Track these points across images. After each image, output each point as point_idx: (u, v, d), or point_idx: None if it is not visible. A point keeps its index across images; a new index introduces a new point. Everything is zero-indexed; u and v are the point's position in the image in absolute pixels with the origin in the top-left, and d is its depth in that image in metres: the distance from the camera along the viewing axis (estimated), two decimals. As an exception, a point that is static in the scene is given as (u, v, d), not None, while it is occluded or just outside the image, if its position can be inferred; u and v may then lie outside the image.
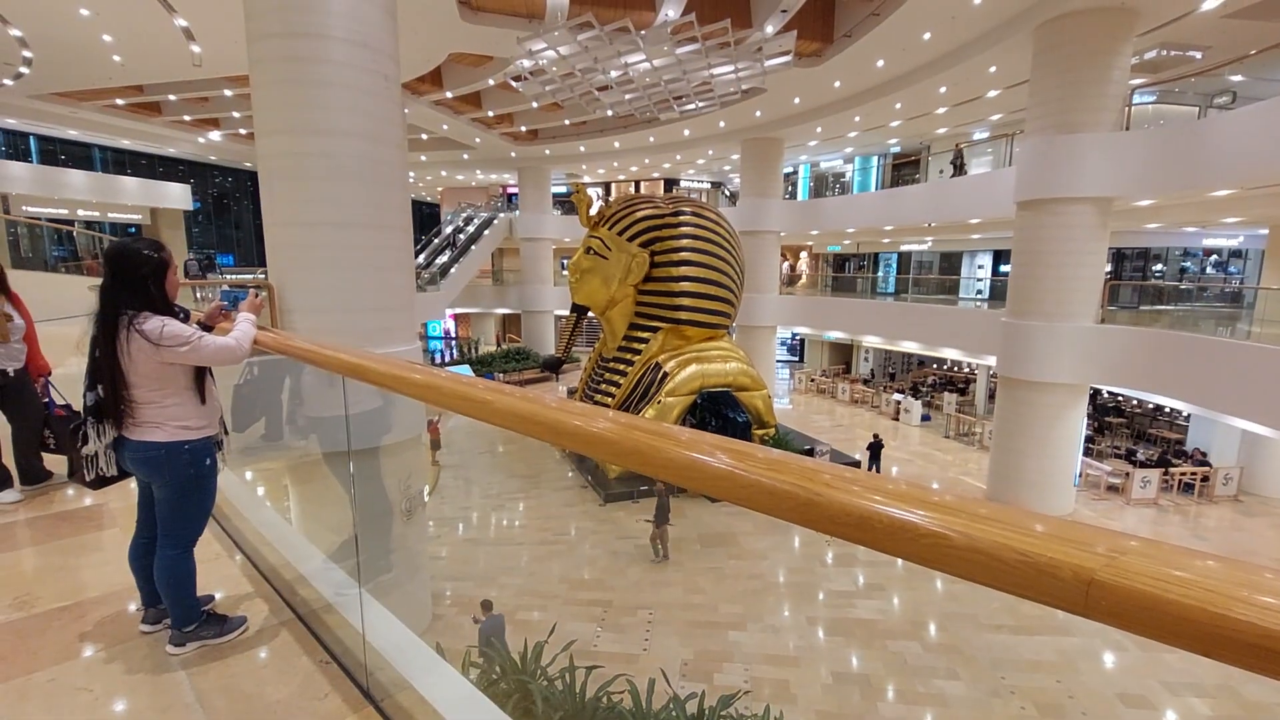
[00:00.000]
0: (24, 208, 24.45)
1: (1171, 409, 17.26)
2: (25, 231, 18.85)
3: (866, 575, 10.83)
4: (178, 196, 30.46)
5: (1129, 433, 19.12)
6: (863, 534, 0.62)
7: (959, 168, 19.45)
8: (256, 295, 2.89)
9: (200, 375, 2.46)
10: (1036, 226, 13.11)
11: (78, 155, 29.34)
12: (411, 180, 34.87)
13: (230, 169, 36.53)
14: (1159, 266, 22.30)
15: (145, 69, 17.30)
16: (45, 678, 2.19)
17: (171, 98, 20.91)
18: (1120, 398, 19.98)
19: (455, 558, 12.23)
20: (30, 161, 27.36)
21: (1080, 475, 14.12)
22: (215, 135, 25.54)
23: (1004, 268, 15.60)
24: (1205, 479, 14.63)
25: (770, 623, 9.31)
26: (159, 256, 2.40)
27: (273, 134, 7.32)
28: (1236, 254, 23.17)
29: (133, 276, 2.34)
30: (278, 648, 2.45)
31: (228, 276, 24.70)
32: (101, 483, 2.43)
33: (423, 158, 29.26)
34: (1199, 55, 14.06)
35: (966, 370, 25.27)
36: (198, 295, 11.87)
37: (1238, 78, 14.76)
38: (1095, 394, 19.50)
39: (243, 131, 25.00)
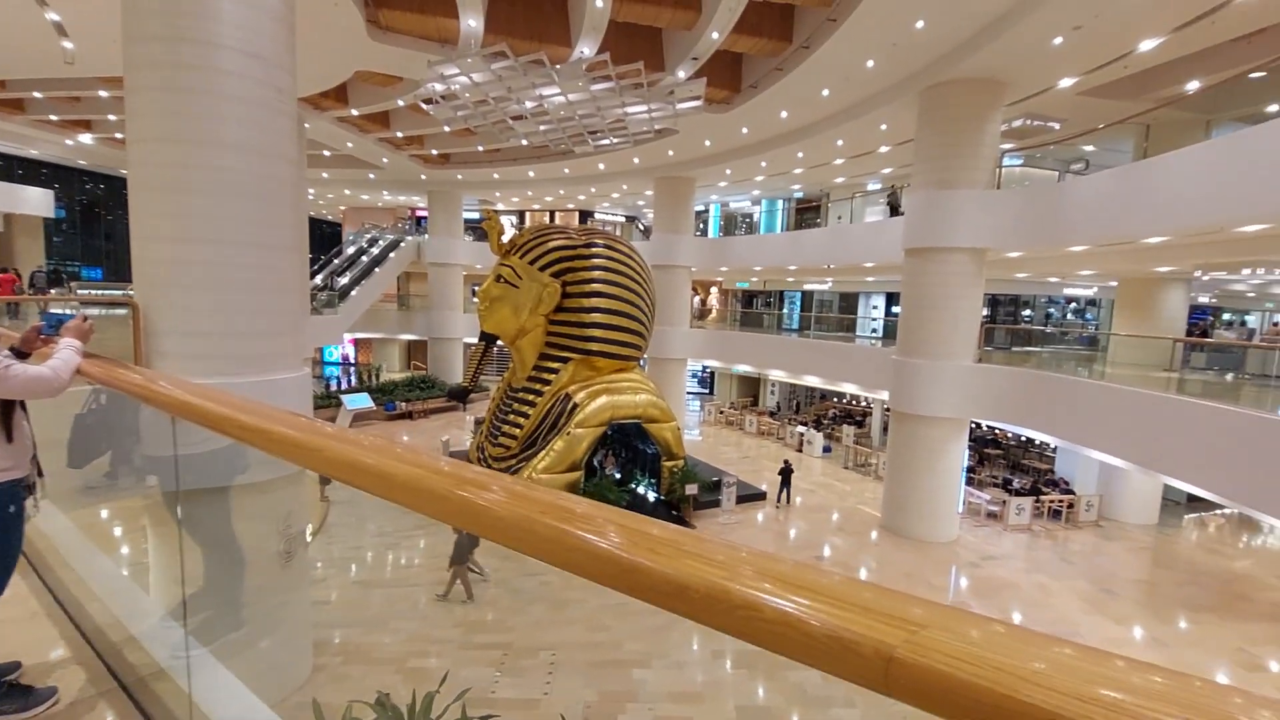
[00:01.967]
0: None
1: (1041, 441, 18.90)
2: None
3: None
4: (37, 202, 27.36)
5: (1005, 463, 20.76)
6: (681, 603, 0.57)
7: (895, 209, 19.93)
8: (85, 319, 2.57)
9: (7, 409, 2.14)
10: (922, 272, 14.16)
11: (-87, 151, 25.94)
12: (311, 197, 33.21)
13: (103, 175, 33.40)
14: (1028, 312, 24.68)
15: (7, 63, 15.62)
16: None
17: (37, 95, 18.97)
18: (996, 431, 21.71)
19: (345, 602, 11.37)
20: None
21: (963, 503, 15.11)
22: (86, 138, 23.36)
23: (896, 309, 16.74)
24: (1070, 506, 16.05)
25: (676, 658, 9.22)
26: None
27: (148, 142, 6.74)
28: (1092, 302, 26.06)
29: None
30: None
31: (79, 291, 22.30)
32: None
33: (325, 175, 27.99)
34: (1057, 126, 15.88)
35: (864, 404, 26.68)
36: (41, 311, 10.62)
37: (1090, 147, 16.81)
38: (975, 427, 21.07)
39: (119, 136, 22.98)
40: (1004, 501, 15.63)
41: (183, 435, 2.15)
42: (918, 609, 0.48)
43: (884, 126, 16.66)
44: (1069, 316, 26.11)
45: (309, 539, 10.24)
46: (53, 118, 20.97)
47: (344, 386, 28.51)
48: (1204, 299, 23.41)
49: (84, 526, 3.13)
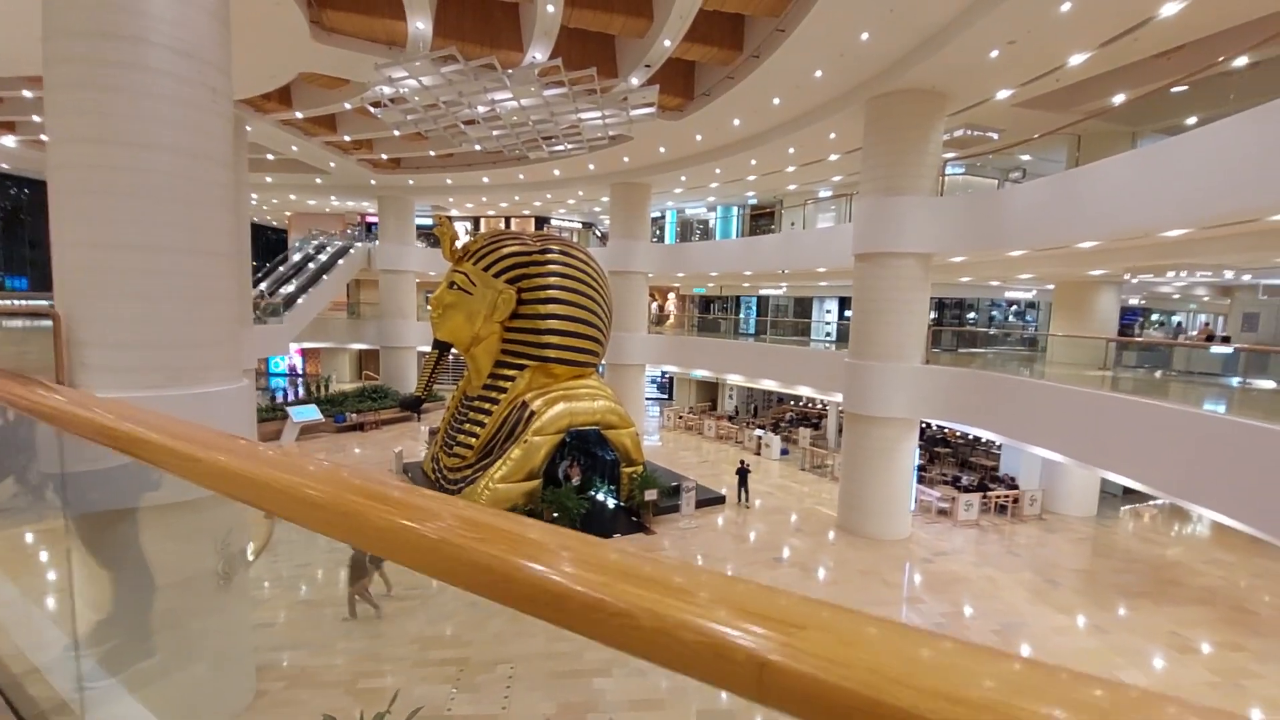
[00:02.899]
0: None
1: (987, 439, 19.56)
2: None
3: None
4: (-48, 208, 25.70)
5: (954, 461, 21.42)
6: (558, 614, 0.53)
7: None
8: None
9: None
10: (871, 276, 14.51)
11: None
12: (255, 203, 32.08)
13: (27, 179, 31.61)
14: (972, 315, 25.59)
15: (-89, 57, 14.60)
16: None
17: (-51, 93, 17.81)
18: (945, 430, 22.40)
19: (293, 622, 10.93)
20: None
21: (915, 501, 15.50)
22: (9, 140, 22.04)
23: (848, 313, 17.17)
24: (1015, 500, 16.63)
25: (636, 665, 9.13)
26: None
27: (69, 142, 6.40)
28: (1032, 305, 27.19)
29: None
30: None
31: None
32: None
33: (268, 179, 27.09)
34: (996, 136, 16.53)
35: (819, 406, 27.18)
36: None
37: (1027, 157, 17.56)
38: (925, 427, 21.68)
39: (45, 138, 21.77)
40: (954, 498, 16.10)
41: (76, 451, 1.99)
42: (799, 609, 0.45)
43: (833, 135, 17.06)
44: (1010, 318, 27.21)
45: (251, 558, 9.79)
46: (-31, 118, 19.73)
47: (291, 398, 27.52)
48: (1134, 300, 24.69)
49: (13, 544, 2.89)
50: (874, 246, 14.31)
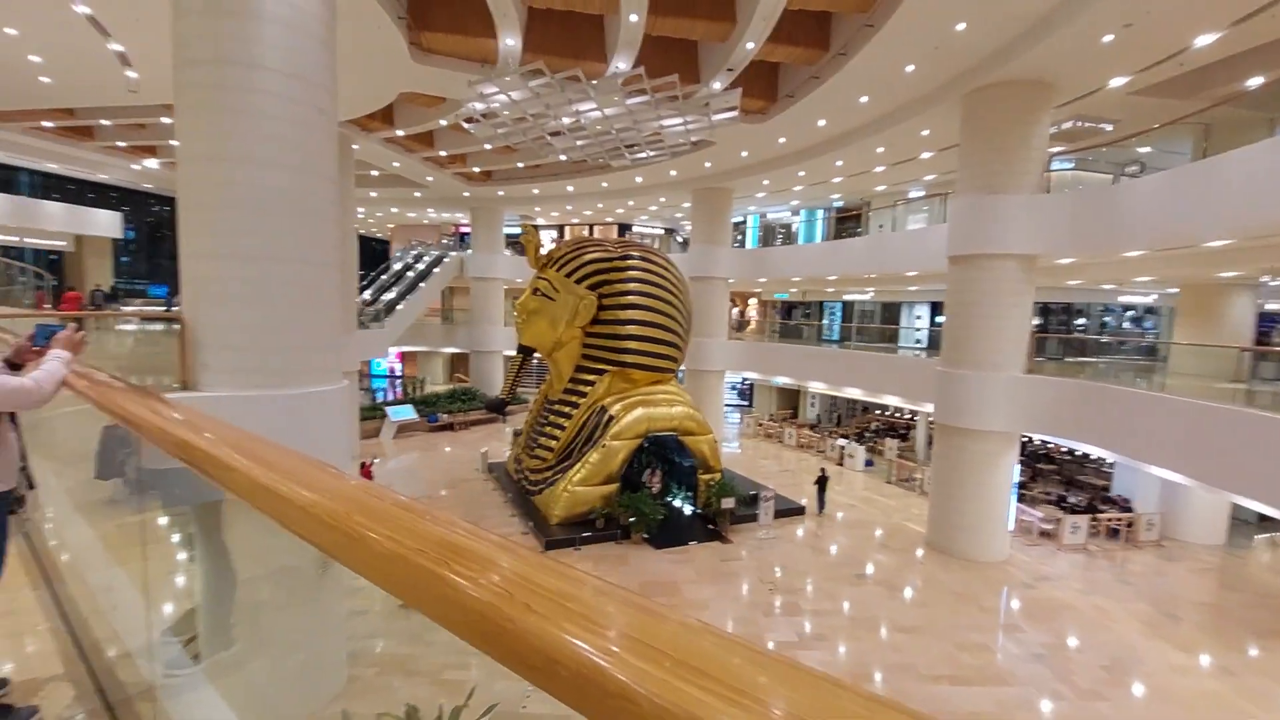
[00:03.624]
0: (-69, 231, 22.89)
1: (1097, 456, 17.97)
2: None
3: (812, 625, 10.64)
4: (106, 224, 29.09)
5: (1059, 479, 19.79)
6: (548, 680, 0.50)
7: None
8: (77, 330, 2.49)
9: None
10: (967, 280, 13.67)
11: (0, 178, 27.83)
12: (360, 216, 34.30)
13: (167, 198, 35.26)
14: (1081, 321, 23.58)
15: (77, 92, 16.66)
16: None
17: (105, 122, 20.13)
18: (1050, 445, 20.73)
19: (388, 611, 11.52)
20: (-54, 183, 25.79)
21: (1014, 521, 14.43)
22: (152, 163, 24.68)
23: (940, 318, 16.24)
24: (1130, 525, 15.15)
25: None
26: None
27: (194, 161, 7.03)
28: (1151, 310, 24.75)
29: None
30: None
31: (123, 309, 23.42)
32: None
33: (373, 194, 28.89)
34: (1109, 127, 15.20)
35: (908, 416, 25.90)
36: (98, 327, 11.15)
37: (1146, 149, 16.03)
38: (1027, 441, 20.20)
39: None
40: (1058, 519, 14.86)
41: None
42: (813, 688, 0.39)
43: (926, 132, 16.25)
44: (1126, 325, 24.86)
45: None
46: (120, 144, 22.25)
47: (390, 399, 29.18)
48: (1275, 305, 21.96)
49: (103, 539, 3.19)
50: (971, 248, 13.49)
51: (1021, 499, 16.26)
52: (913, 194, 23.41)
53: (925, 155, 18.39)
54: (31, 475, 2.39)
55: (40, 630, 2.62)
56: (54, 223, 27.21)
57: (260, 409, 6.98)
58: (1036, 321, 17.88)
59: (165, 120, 19.39)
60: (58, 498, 3.73)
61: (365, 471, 16.19)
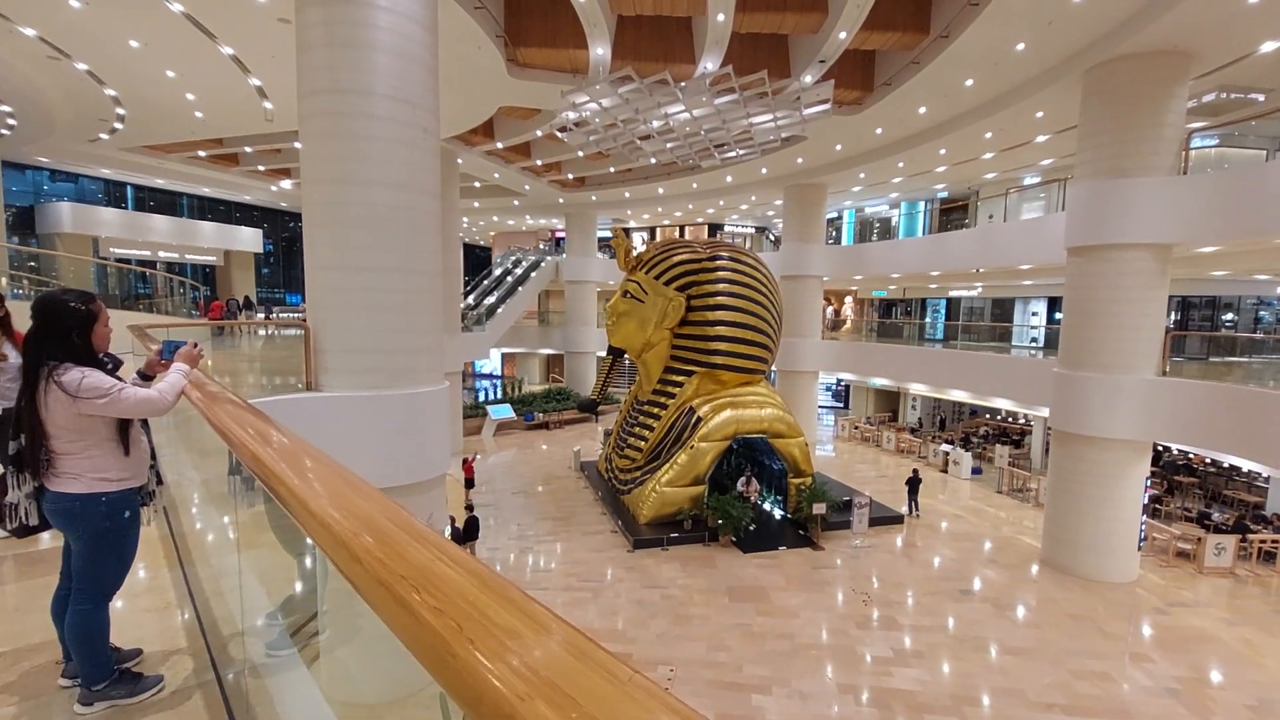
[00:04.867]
0: (111, 250, 26.52)
1: (1248, 469, 15.90)
2: (112, 272, 20.32)
3: (911, 641, 10.15)
4: (249, 240, 32.53)
5: (1201, 494, 17.66)
6: (475, 715, 0.56)
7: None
8: (195, 346, 2.84)
9: (124, 426, 2.42)
10: (1089, 273, 12.53)
11: (166, 202, 31.72)
12: (465, 225, 36.28)
13: (300, 214, 38.87)
14: (1230, 316, 20.88)
15: (223, 123, 18.75)
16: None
17: (247, 149, 22.51)
18: (1191, 455, 18.55)
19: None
20: (125, 208, 29.73)
21: (1144, 539, 13.05)
22: (286, 184, 27.29)
23: (1059, 315, 14.93)
24: (1292, 548, 13.31)
25: (798, 688, 8.82)
26: (86, 309, 2.39)
27: (316, 183, 7.74)
28: (1321, 303, 21.52)
29: (57, 327, 2.31)
30: (184, 714, 2.31)
31: (258, 315, 25.91)
32: (25, 531, 2.40)
33: (476, 204, 30.47)
34: (1261, 98, 13.42)
35: (1022, 421, 24.04)
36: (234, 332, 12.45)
37: (1311, 119, 14.01)
38: (1163, 451, 18.20)
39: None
40: (1199, 539, 13.28)
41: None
42: None
43: (1040, 114, 15.04)
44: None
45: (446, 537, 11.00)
46: (260, 167, 24.80)
47: (490, 398, 30.66)
48: None
49: (226, 528, 3.61)
50: (1094, 238, 12.35)
51: (1154, 514, 14.69)
52: (1027, 181, 21.73)
53: (1040, 139, 17.03)
54: (161, 472, 2.75)
55: (172, 607, 3.03)
56: (207, 240, 30.81)
57: (373, 408, 7.60)
58: (1173, 318, 16.09)
59: (296, 145, 21.46)
60: (194, 488, 4.28)
61: (467, 467, 17.11)
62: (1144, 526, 12.83)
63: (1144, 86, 11.62)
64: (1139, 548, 12.68)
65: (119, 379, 2.42)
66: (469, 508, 15.38)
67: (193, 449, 4.52)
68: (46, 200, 26.78)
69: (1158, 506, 15.56)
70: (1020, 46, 12.10)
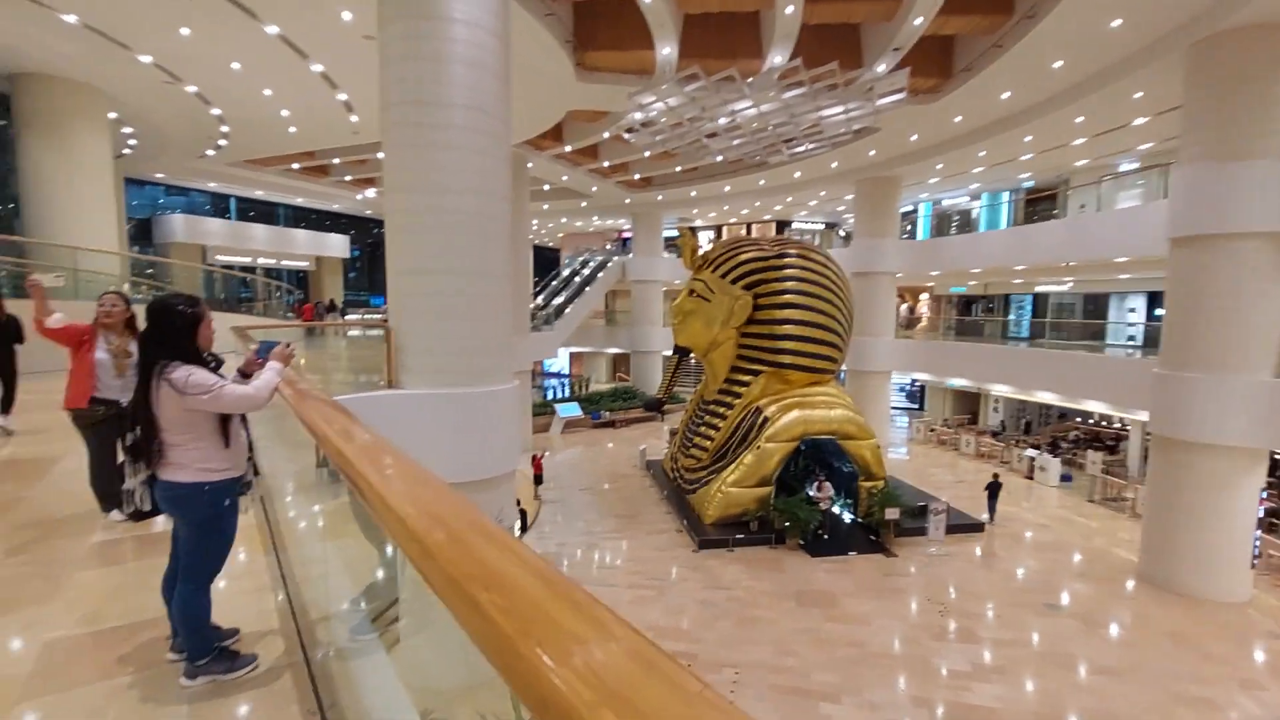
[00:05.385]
0: (216, 257, 28.78)
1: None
2: (218, 277, 22.05)
3: (991, 655, 9.68)
4: (337, 246, 34.53)
5: (1332, 509, 15.89)
6: (540, 717, 0.57)
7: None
8: (287, 346, 3.03)
9: (225, 420, 2.61)
10: (1196, 266, 11.55)
11: (265, 212, 34.12)
12: (534, 227, 37.11)
13: (382, 221, 40.83)
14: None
15: (314, 136, 19.97)
16: (74, 697, 2.39)
17: (336, 160, 23.90)
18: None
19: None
20: (229, 218, 32.20)
21: (1259, 556, 11.89)
22: (370, 192, 28.78)
23: (1160, 312, 13.79)
24: None
25: (869, 698, 8.58)
26: (193, 311, 2.59)
27: (397, 191, 8.15)
28: None
29: (168, 329, 2.52)
30: (275, 692, 2.48)
31: (347, 316, 27.40)
32: (139, 516, 2.63)
33: (545, 206, 31.13)
34: None
35: (1117, 426, 22.39)
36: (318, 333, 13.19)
37: None
38: (1284, 460, 16.53)
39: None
40: (1330, 559, 12.01)
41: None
42: None
43: (1138, 95, 13.97)
44: None
45: (518, 534, 11.37)
46: (347, 178, 26.26)
47: (558, 396, 31.29)
48: None
49: (316, 516, 3.87)
50: (1201, 227, 11.38)
51: (1271, 529, 13.37)
52: (1123, 167, 20.20)
53: (1138, 122, 15.79)
54: (258, 463, 2.98)
55: (266, 590, 3.27)
56: (300, 246, 32.92)
57: (448, 405, 7.93)
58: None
59: (379, 155, 22.58)
60: (287, 479, 4.61)
61: (536, 464, 17.54)
62: (1259, 542, 11.71)
63: (1257, 61, 10.61)
64: (1252, 565, 11.60)
65: (221, 376, 2.62)
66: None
67: (286, 442, 4.87)
68: (162, 212, 29.38)
69: (1275, 521, 14.15)
70: (1115, 23, 11.28)
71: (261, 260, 32.07)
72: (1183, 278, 11.85)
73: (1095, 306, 23.32)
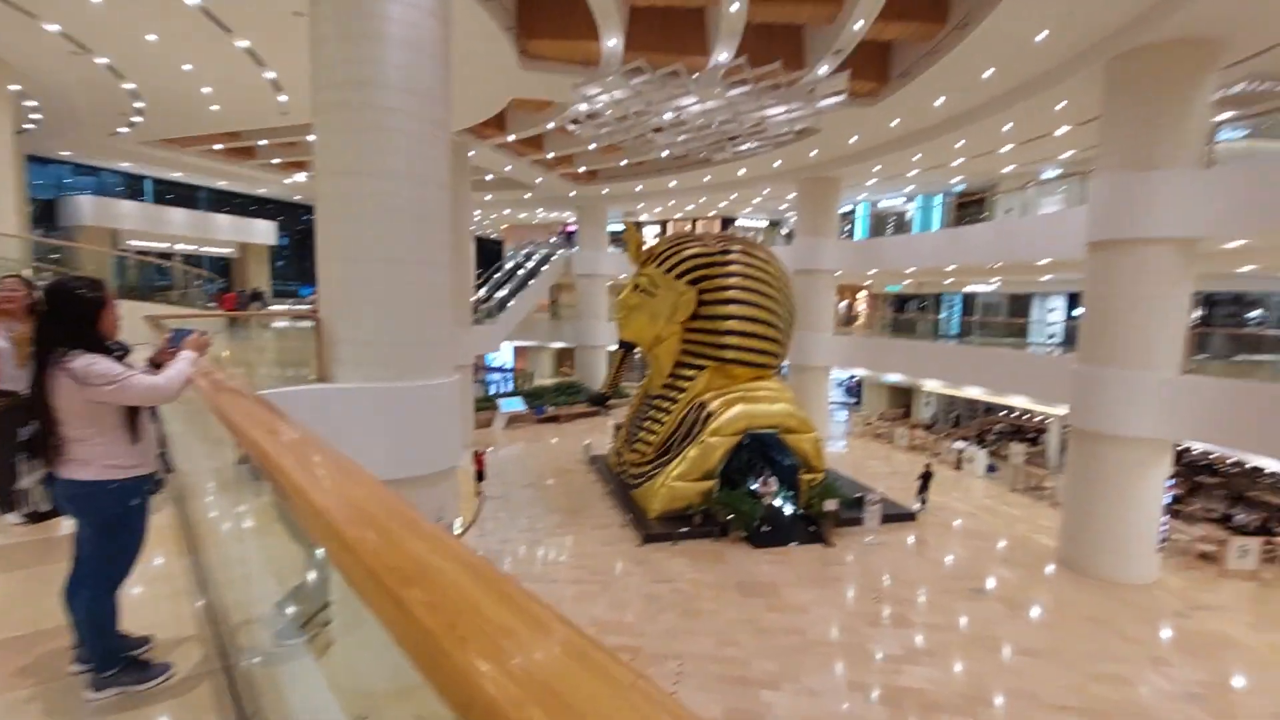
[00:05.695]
0: (129, 242, 26.85)
1: (1276, 470, 15.58)
2: (131, 264, 20.54)
3: (924, 639, 10.04)
4: (264, 232, 32.80)
5: (1224, 495, 17.31)
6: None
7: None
8: (203, 334, 2.84)
9: (133, 414, 2.42)
10: (1110, 268, 12.30)
11: (184, 195, 32.03)
12: (477, 218, 36.30)
13: (313, 208, 39.11)
14: (1258, 313, 20.44)
15: (239, 116, 18.84)
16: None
17: (263, 142, 22.65)
18: (1214, 455, 18.20)
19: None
20: (144, 200, 30.07)
21: (1165, 540, 12.81)
22: (301, 177, 27.45)
23: (1078, 311, 14.67)
24: (1318, 551, 13.02)
25: (808, 684, 8.76)
26: (94, 296, 2.38)
27: (329, 175, 7.75)
28: (1353, 300, 20.99)
29: (66, 314, 2.32)
30: (191, 702, 2.32)
31: (271, 308, 26.16)
32: (38, 518, 2.40)
33: (487, 197, 30.46)
34: (1296, 88, 13.07)
35: (1038, 419, 23.72)
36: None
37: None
38: (1184, 451, 17.87)
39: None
40: (1222, 541, 13.04)
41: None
42: None
43: (1061, 105, 14.76)
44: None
45: (458, 531, 11.07)
46: (275, 160, 24.95)
47: (501, 391, 30.75)
48: None
49: (239, 515, 3.62)
50: (1116, 232, 12.11)
51: (1176, 515, 14.42)
52: (1046, 174, 21.37)
53: (1060, 131, 16.71)
54: (170, 460, 2.75)
55: (182, 595, 3.03)
56: (223, 232, 31.09)
57: (384, 400, 7.60)
58: (1197, 314, 15.80)
59: (310, 138, 21.53)
60: (206, 476, 4.30)
61: (478, 460, 17.16)
62: (1165, 527, 12.61)
63: (1169, 76, 11.34)
64: (1159, 549, 12.47)
65: (128, 366, 2.42)
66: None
67: (206, 437, 4.55)
68: (68, 193, 27.15)
69: (1179, 507, 15.28)
70: (1041, 36, 11.85)
71: (180, 246, 30.13)
72: (1098, 280, 12.60)
73: (1019, 306, 24.62)
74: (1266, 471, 16.72)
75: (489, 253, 46.69)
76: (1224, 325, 19.78)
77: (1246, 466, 17.44)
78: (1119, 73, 11.94)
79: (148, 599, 2.95)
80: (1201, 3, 9.76)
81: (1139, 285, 11.89)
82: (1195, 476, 17.99)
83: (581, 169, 25.97)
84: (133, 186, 30.63)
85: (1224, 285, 19.44)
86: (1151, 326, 11.88)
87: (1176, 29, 10.67)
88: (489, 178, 26.95)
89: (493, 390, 31.19)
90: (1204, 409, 11.46)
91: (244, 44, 12.80)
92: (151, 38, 12.57)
